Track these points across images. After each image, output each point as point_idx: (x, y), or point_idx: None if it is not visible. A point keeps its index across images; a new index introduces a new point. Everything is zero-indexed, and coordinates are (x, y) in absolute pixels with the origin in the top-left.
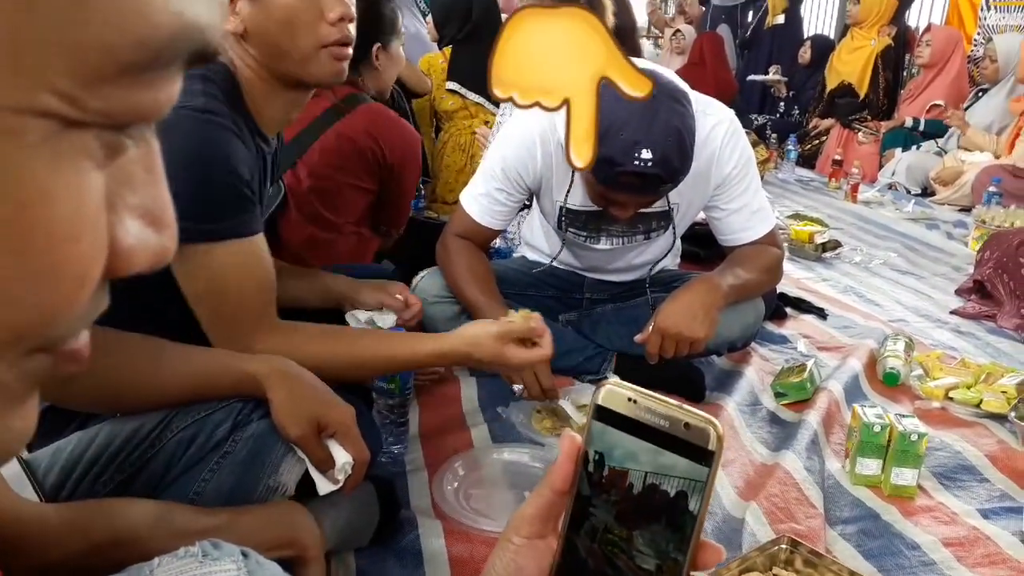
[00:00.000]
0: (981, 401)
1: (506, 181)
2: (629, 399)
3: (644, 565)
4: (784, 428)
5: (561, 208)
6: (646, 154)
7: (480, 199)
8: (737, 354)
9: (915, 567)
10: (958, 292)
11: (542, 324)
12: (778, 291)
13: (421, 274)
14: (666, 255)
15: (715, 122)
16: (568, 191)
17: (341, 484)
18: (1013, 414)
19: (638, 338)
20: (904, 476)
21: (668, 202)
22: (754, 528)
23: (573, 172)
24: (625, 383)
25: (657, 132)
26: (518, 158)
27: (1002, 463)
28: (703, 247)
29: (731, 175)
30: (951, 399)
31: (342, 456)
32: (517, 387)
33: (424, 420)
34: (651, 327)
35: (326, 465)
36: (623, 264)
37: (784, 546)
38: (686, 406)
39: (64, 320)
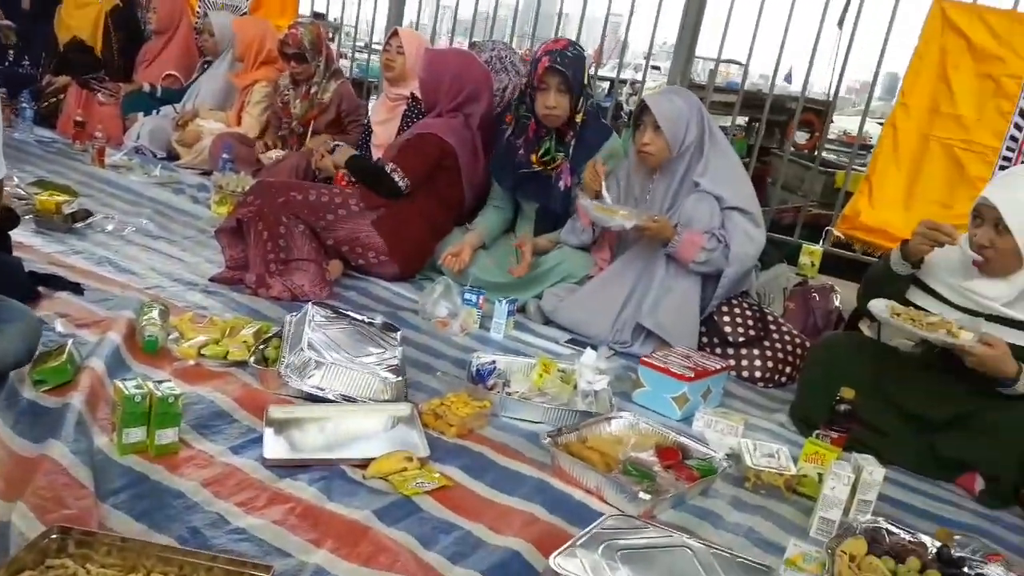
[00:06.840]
0: (228, 352)
1: None
2: None
3: None
4: (48, 415)
5: None
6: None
7: None
8: None
9: (180, 512)
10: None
11: None
12: (27, 269)
13: None
14: None
15: None
16: None
17: None
18: (252, 359)
19: None
20: (167, 435)
21: None
22: (23, 528)
23: None
24: None
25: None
26: None
27: (247, 403)
28: None
29: None
30: (204, 355)
31: None
32: None
33: None
34: None
35: None
36: None
37: (54, 535)
38: None
39: None
